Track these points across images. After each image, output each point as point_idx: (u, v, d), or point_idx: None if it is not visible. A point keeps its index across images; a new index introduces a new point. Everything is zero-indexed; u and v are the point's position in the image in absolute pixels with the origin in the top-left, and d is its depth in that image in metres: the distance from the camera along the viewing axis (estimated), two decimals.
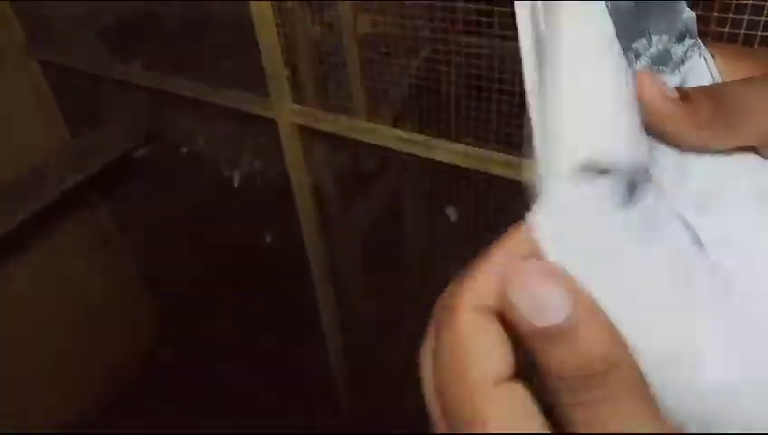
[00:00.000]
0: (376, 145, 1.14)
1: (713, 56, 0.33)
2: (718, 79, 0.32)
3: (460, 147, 1.06)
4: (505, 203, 1.20)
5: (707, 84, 0.31)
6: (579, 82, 0.27)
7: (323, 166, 1.30)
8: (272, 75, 1.13)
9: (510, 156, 1.02)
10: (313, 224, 1.35)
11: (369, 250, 1.48)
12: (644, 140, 0.28)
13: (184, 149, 1.53)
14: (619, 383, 0.24)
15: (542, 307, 0.24)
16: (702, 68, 0.32)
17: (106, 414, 1.86)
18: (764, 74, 0.32)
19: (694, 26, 0.31)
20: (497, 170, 1.04)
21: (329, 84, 1.19)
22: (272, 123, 1.22)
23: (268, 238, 1.61)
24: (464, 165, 1.08)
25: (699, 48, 0.32)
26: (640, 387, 0.24)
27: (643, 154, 0.27)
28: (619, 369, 0.24)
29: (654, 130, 0.29)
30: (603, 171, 0.26)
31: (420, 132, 1.09)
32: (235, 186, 1.45)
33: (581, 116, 0.27)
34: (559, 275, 0.25)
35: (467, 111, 1.07)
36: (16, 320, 1.65)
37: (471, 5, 0.94)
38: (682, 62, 0.32)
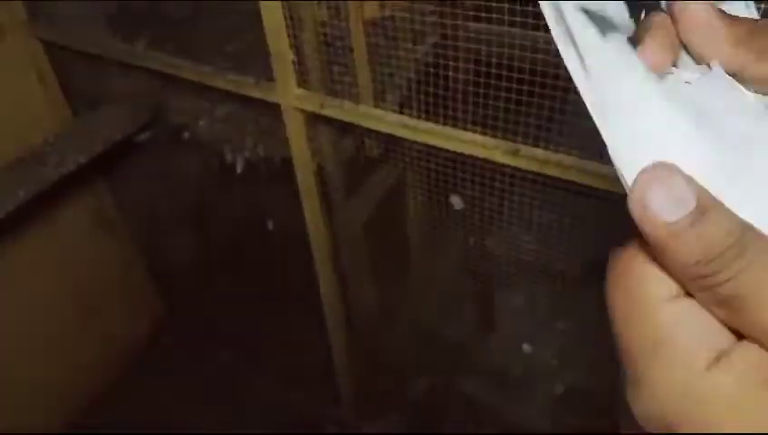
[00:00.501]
0: (381, 131, 1.13)
1: None
2: None
3: (466, 134, 1.05)
4: (510, 191, 1.20)
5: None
6: None
7: (328, 151, 1.29)
8: (277, 59, 1.12)
9: (516, 144, 1.01)
10: (316, 209, 1.34)
11: (372, 236, 1.48)
12: None
13: (186, 133, 1.52)
14: (753, 247, 0.25)
15: (674, 201, 0.26)
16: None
17: (107, 397, 1.86)
18: None
19: None
20: (503, 159, 1.03)
21: (334, 69, 1.18)
22: (276, 108, 1.21)
23: (270, 223, 1.60)
24: (469, 153, 1.07)
25: None
26: None
27: None
28: (747, 235, 0.26)
29: (695, 42, 0.31)
30: None
31: (426, 119, 1.08)
32: (239, 171, 1.44)
33: None
34: (676, 169, 0.26)
35: (474, 97, 1.05)
36: (17, 301, 1.64)
37: None
38: None
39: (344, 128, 1.25)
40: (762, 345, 0.26)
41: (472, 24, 0.97)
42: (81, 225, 1.80)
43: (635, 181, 0.26)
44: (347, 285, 1.53)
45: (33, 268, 1.68)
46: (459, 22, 0.97)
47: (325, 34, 1.13)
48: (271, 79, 1.16)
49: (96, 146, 1.55)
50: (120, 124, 1.58)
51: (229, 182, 1.50)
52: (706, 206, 0.26)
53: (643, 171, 0.27)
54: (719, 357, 0.26)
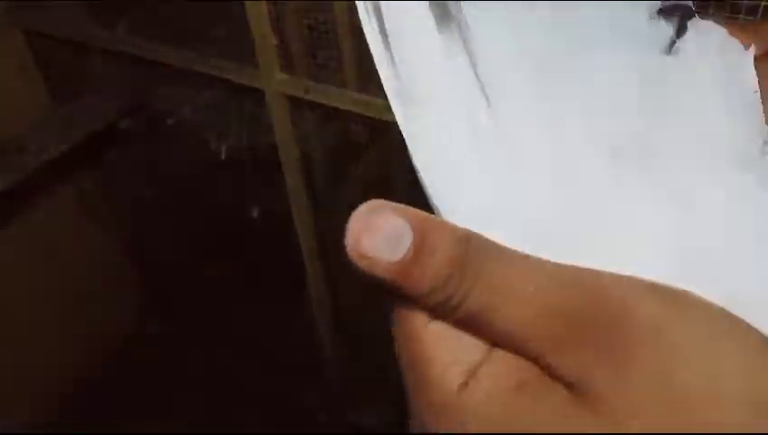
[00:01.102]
0: (367, 116, 1.12)
1: None
2: None
3: None
4: None
5: None
6: None
7: (313, 137, 1.28)
8: (259, 43, 1.10)
9: None
10: (302, 196, 1.33)
11: None
12: None
13: (170, 120, 1.50)
14: (476, 259, 0.26)
15: (392, 241, 0.25)
16: None
17: (91, 385, 1.84)
18: None
19: None
20: None
21: (318, 53, 1.17)
22: (260, 93, 1.19)
23: (256, 210, 1.59)
24: None
25: None
26: (496, 246, 0.26)
27: None
28: (471, 248, 0.26)
29: None
30: None
31: None
32: (222, 158, 1.42)
33: None
34: (386, 206, 0.26)
35: None
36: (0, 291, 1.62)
37: None
38: None
39: (330, 113, 1.24)
40: (514, 351, 0.26)
41: None
42: (64, 213, 1.78)
43: (347, 229, 0.26)
44: (334, 273, 1.52)
45: (16, 257, 1.66)
46: None
47: (309, 18, 1.11)
48: (255, 64, 1.15)
49: (78, 133, 1.52)
50: (103, 111, 1.56)
51: (214, 169, 1.49)
52: (425, 233, 0.25)
53: (353, 218, 0.26)
54: (471, 373, 0.26)
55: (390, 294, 0.28)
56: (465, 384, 0.26)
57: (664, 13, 0.34)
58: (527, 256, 0.27)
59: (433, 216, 0.27)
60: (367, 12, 0.31)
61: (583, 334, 0.25)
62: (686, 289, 0.26)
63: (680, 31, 0.34)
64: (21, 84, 1.59)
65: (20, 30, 1.55)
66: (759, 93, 0.33)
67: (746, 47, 0.34)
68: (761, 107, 0.33)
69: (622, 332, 0.24)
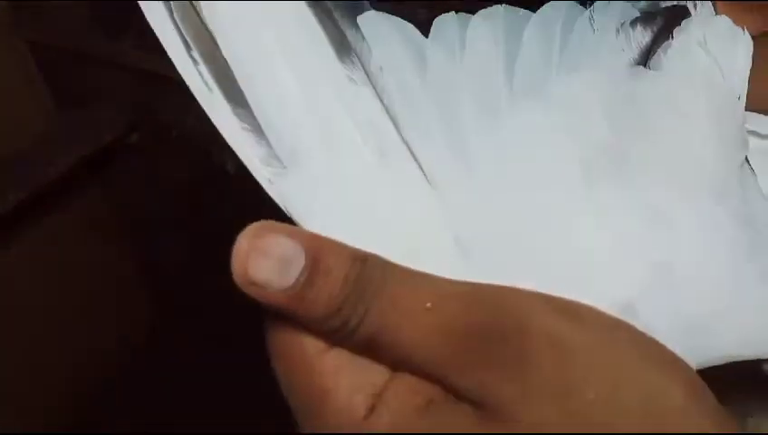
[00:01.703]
0: None
1: None
2: None
3: None
4: None
5: None
6: None
7: None
8: None
9: None
10: None
11: None
12: None
13: (175, 132, 1.50)
14: (372, 282, 0.25)
15: (283, 265, 0.24)
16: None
17: (99, 400, 1.84)
18: None
19: None
20: None
21: None
22: None
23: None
24: None
25: None
26: (393, 265, 0.26)
27: None
28: (366, 270, 0.25)
29: None
30: None
31: None
32: (229, 171, 1.42)
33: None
34: (274, 227, 0.26)
35: None
36: (9, 306, 1.62)
37: None
38: None
39: None
40: (416, 373, 0.26)
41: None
42: (72, 228, 1.77)
43: (233, 253, 0.24)
44: None
45: (24, 272, 1.66)
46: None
47: None
48: None
49: (85, 147, 1.53)
50: (109, 124, 1.56)
51: (220, 182, 1.49)
52: (318, 255, 0.25)
53: (240, 241, 0.25)
54: (377, 397, 0.26)
55: (270, 319, 0.27)
56: (371, 410, 0.25)
57: (643, 20, 0.33)
58: (425, 275, 0.26)
59: (325, 236, 0.26)
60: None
61: (482, 351, 0.24)
62: (634, 304, 0.27)
63: (659, 40, 0.33)
64: (26, 98, 1.60)
65: (25, 41, 1.55)
66: (745, 130, 0.33)
67: (743, 29, 0.33)
68: (746, 139, 0.32)
69: (522, 345, 0.24)
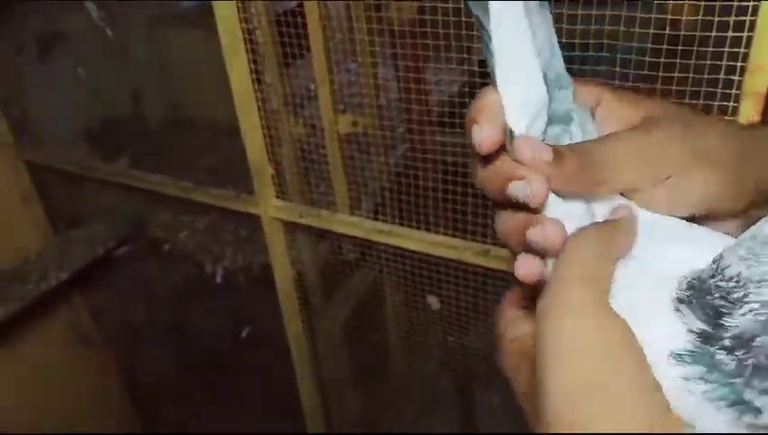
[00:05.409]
0: (357, 236, 1.19)
1: (598, 102, 0.43)
2: (594, 134, 0.43)
3: (438, 237, 1.11)
4: (484, 290, 1.24)
5: (583, 140, 0.42)
6: None
7: (306, 257, 1.34)
8: (257, 174, 1.18)
9: (486, 245, 1.07)
10: (296, 315, 1.37)
11: (351, 339, 1.50)
12: None
13: (167, 246, 1.56)
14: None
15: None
16: (586, 122, 0.43)
17: None
18: (628, 129, 0.41)
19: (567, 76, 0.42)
20: (475, 259, 1.08)
21: (311, 180, 1.25)
22: (256, 219, 1.26)
23: (250, 331, 1.62)
24: (441, 255, 1.12)
25: (580, 103, 0.43)
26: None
27: None
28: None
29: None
30: None
31: (400, 224, 1.14)
32: (218, 280, 1.47)
33: None
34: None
35: (444, 202, 1.12)
36: None
37: (444, 109, 1.02)
38: (570, 117, 0.43)
39: (322, 234, 1.30)
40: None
41: (438, 138, 1.05)
42: (58, 339, 1.78)
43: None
44: (327, 390, 1.54)
45: (8, 383, 1.65)
46: (426, 137, 1.06)
47: (302, 150, 1.20)
48: (251, 192, 1.22)
49: (77, 262, 1.57)
50: (101, 240, 1.61)
51: (208, 292, 1.53)
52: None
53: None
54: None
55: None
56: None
57: None
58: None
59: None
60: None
61: None
62: None
63: None
64: (23, 217, 1.65)
65: (24, 164, 1.62)
66: None
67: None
68: None
69: None
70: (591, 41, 0.77)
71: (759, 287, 0.31)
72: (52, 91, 1.57)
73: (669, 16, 0.75)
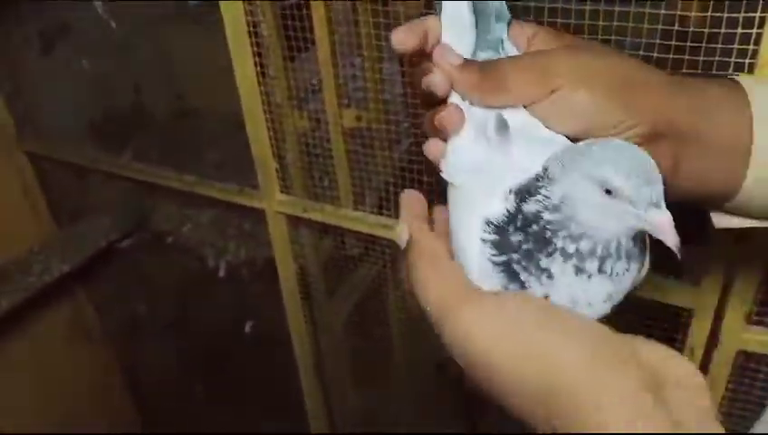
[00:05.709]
0: (361, 231, 1.19)
1: (535, 34, 0.51)
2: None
3: None
4: None
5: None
6: None
7: (309, 252, 1.34)
8: (261, 168, 1.18)
9: None
10: (298, 310, 1.37)
11: (354, 333, 1.50)
12: None
13: (170, 238, 1.55)
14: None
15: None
16: (513, 51, 0.51)
17: None
18: (534, 52, 0.49)
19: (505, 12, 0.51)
20: None
21: (315, 174, 1.25)
22: (260, 213, 1.26)
23: (252, 325, 1.62)
24: None
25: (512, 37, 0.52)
26: None
27: None
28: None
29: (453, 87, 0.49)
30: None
31: None
32: (221, 274, 1.47)
33: None
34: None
35: (447, 197, 1.11)
36: None
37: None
38: (502, 43, 0.51)
39: (325, 229, 1.30)
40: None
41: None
42: (59, 333, 1.78)
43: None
44: (329, 385, 1.53)
45: (9, 376, 1.65)
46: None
47: (307, 144, 1.20)
48: (255, 186, 1.22)
49: (80, 254, 1.57)
50: (105, 232, 1.61)
51: (211, 286, 1.53)
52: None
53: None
54: None
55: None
56: None
57: None
58: None
59: None
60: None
61: None
62: None
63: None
64: (25, 209, 1.65)
65: (26, 156, 1.62)
66: None
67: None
68: None
69: None
70: (599, 37, 0.77)
71: (552, 185, 0.41)
72: (55, 83, 1.57)
73: (678, 12, 0.74)
